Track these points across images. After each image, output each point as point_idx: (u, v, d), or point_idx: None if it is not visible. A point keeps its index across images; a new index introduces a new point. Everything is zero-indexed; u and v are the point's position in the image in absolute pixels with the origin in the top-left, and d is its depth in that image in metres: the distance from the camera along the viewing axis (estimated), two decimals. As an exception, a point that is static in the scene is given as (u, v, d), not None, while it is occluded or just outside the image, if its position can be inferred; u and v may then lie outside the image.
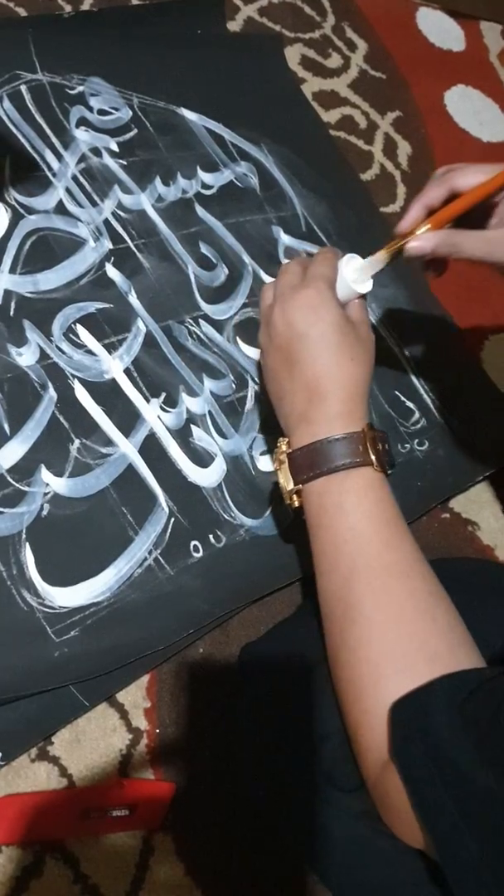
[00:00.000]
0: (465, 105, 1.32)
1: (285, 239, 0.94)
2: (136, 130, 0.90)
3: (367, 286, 0.66)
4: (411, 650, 0.52)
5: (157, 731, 0.67)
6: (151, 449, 0.72)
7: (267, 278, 0.89)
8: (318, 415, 0.61)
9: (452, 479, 0.90)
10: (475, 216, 0.65)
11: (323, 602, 0.58)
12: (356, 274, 0.66)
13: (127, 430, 0.72)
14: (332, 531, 0.58)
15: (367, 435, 0.60)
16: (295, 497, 0.62)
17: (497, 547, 0.91)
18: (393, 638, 0.53)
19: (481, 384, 1.00)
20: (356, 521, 0.58)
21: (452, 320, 1.05)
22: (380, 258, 0.65)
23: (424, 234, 0.62)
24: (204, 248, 0.87)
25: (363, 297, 0.67)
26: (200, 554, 0.71)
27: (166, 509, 0.71)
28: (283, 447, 0.63)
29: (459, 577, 0.75)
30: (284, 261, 0.92)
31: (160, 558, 0.69)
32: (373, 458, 0.59)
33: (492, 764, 0.43)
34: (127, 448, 0.71)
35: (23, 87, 0.84)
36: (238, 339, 0.83)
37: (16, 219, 0.76)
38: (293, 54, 1.17)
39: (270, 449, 0.79)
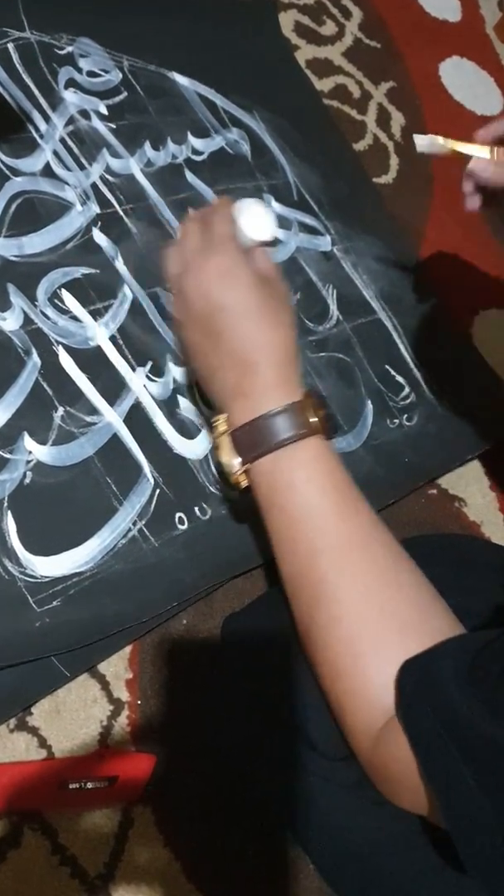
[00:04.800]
0: (459, 77, 1.31)
1: (276, 207, 0.92)
2: (125, 93, 0.88)
3: (267, 233, 0.64)
4: (383, 622, 0.52)
5: (139, 702, 0.66)
6: (137, 419, 0.71)
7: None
8: (252, 388, 0.59)
9: (441, 456, 0.89)
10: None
11: (287, 584, 0.57)
12: (257, 220, 0.64)
13: (112, 399, 0.71)
14: (286, 511, 0.57)
15: (308, 403, 0.58)
16: (242, 477, 0.60)
17: (483, 523, 0.91)
18: (363, 612, 0.52)
19: (471, 359, 0.99)
20: (309, 497, 0.56)
21: (444, 295, 1.04)
22: (443, 144, 0.66)
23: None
24: (193, 215, 0.85)
25: (266, 244, 0.65)
26: (185, 526, 0.70)
27: (151, 480, 0.70)
28: (223, 426, 0.61)
29: (445, 552, 0.75)
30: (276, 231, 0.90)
31: (145, 529, 0.68)
32: (317, 425, 0.57)
33: (500, 718, 0.43)
34: (112, 417, 0.70)
35: (10, 46, 0.82)
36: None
37: (1, 180, 0.75)
38: (287, 20, 1.15)
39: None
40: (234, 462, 0.59)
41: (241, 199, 0.64)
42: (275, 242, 0.65)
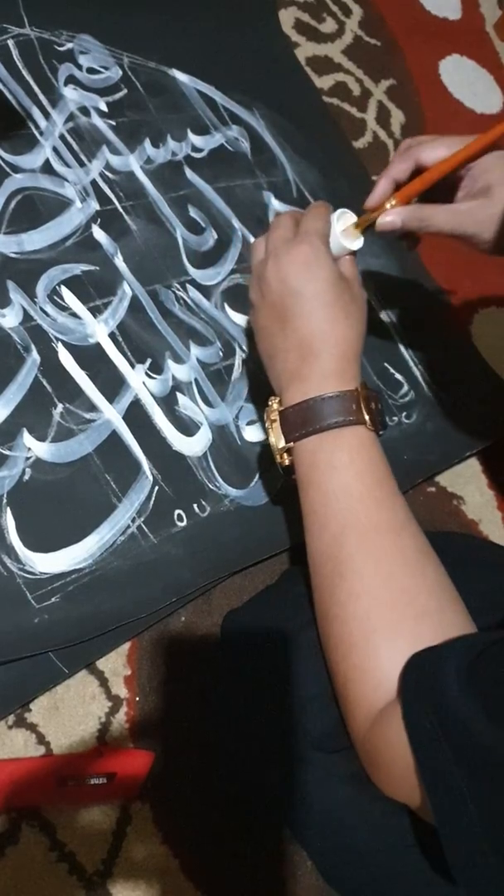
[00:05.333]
0: (459, 75, 1.30)
1: (276, 204, 0.92)
2: (125, 90, 0.88)
3: (358, 243, 0.65)
4: (401, 605, 0.52)
5: (137, 699, 0.66)
6: (136, 416, 0.71)
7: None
8: (310, 372, 0.60)
9: (440, 454, 0.89)
10: (442, 190, 0.67)
11: (312, 560, 0.58)
12: (348, 230, 0.65)
13: (111, 396, 0.71)
14: (322, 489, 0.58)
15: (361, 394, 0.59)
16: (286, 455, 0.61)
17: (482, 521, 0.91)
18: (383, 593, 0.53)
19: (471, 358, 0.99)
20: (348, 479, 0.57)
21: (443, 293, 1.04)
22: (350, 234, 0.65)
23: (394, 210, 0.64)
24: (193, 212, 0.85)
25: (353, 253, 0.66)
26: (184, 523, 0.70)
27: (150, 477, 0.70)
28: (275, 405, 0.62)
29: (443, 551, 0.75)
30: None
31: (143, 526, 0.68)
32: (366, 417, 0.58)
33: (500, 725, 0.43)
34: (111, 414, 0.70)
35: (10, 42, 0.82)
36: (226, 305, 0.82)
37: (1, 177, 0.75)
38: (287, 18, 1.15)
39: (259, 418, 0.78)
40: (279, 440, 0.60)
41: (339, 209, 0.65)
42: (356, 254, 0.65)
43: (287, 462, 0.61)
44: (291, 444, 0.60)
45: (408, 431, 0.87)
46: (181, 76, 0.94)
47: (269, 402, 0.62)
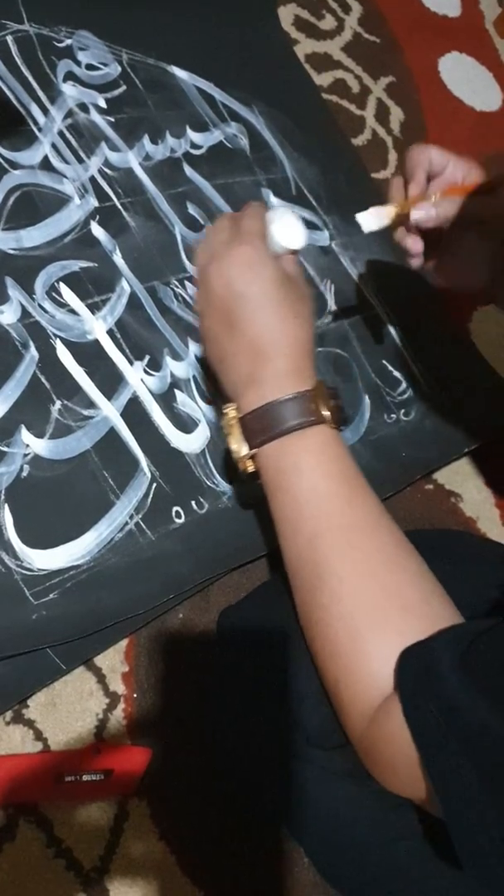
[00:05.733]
0: (458, 72, 1.30)
1: (275, 202, 0.92)
2: (124, 87, 0.88)
3: (298, 242, 0.63)
4: (384, 601, 0.52)
5: (135, 695, 0.66)
6: (134, 412, 0.71)
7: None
8: (265, 375, 0.59)
9: (438, 451, 0.89)
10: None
11: (290, 566, 0.58)
12: (289, 229, 0.63)
13: (109, 393, 0.71)
14: (291, 494, 0.57)
15: (319, 392, 0.58)
16: (249, 462, 0.60)
17: (479, 519, 0.91)
18: (364, 591, 0.52)
19: (469, 355, 0.99)
20: (315, 481, 0.57)
21: (441, 291, 1.04)
22: (387, 213, 0.67)
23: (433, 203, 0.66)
24: (191, 209, 0.85)
25: (295, 252, 0.64)
26: (182, 520, 0.70)
27: (148, 474, 0.70)
28: (232, 412, 0.60)
29: (440, 548, 0.75)
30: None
31: (141, 523, 0.68)
32: (326, 415, 0.58)
33: (499, 707, 0.43)
34: (109, 411, 0.70)
35: (9, 38, 0.82)
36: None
37: (0, 173, 0.74)
38: (286, 14, 1.15)
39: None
40: (242, 447, 0.59)
41: (275, 208, 0.64)
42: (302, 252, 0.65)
43: (251, 468, 0.60)
44: (255, 450, 0.59)
45: (406, 429, 0.87)
46: (180, 73, 0.94)
47: (225, 410, 0.61)
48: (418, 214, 0.66)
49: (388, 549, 0.55)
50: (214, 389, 0.74)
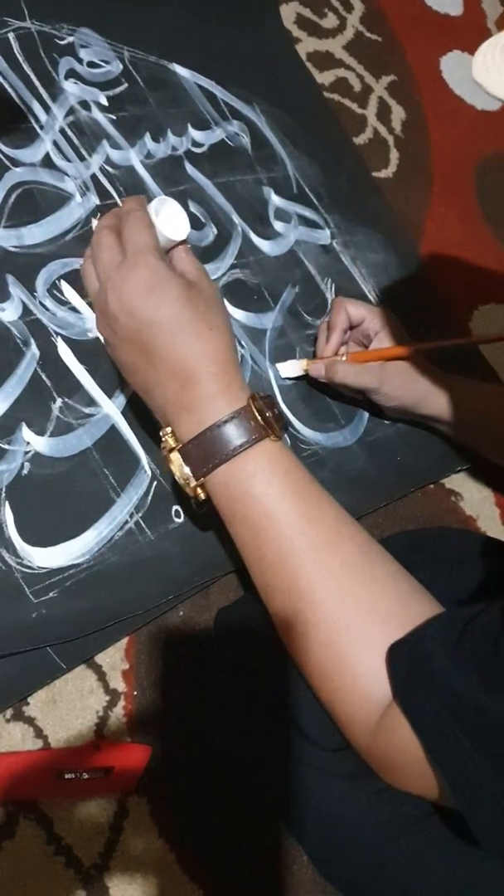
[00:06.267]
0: (460, 71, 1.30)
1: (276, 200, 0.92)
2: (126, 85, 0.88)
3: (182, 233, 0.60)
4: (361, 617, 0.51)
5: (135, 693, 0.66)
6: (135, 410, 0.71)
7: (256, 239, 0.88)
8: (196, 400, 0.56)
9: (433, 459, 0.89)
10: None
11: (260, 593, 0.56)
12: (173, 219, 0.60)
13: (110, 391, 0.71)
14: (248, 521, 0.55)
15: (255, 406, 0.56)
16: (199, 490, 0.57)
17: (479, 517, 0.91)
18: (340, 612, 0.52)
19: (469, 355, 0.99)
20: (270, 504, 0.54)
21: (442, 290, 1.04)
22: (301, 366, 0.82)
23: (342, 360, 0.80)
24: (193, 207, 0.85)
25: (183, 242, 0.61)
26: (182, 519, 0.70)
27: (149, 472, 0.70)
28: (171, 440, 0.57)
29: (441, 547, 0.75)
30: (275, 223, 0.90)
31: (141, 522, 0.68)
32: (267, 429, 0.55)
33: (499, 690, 0.43)
34: (110, 409, 0.70)
35: (10, 35, 0.82)
36: (226, 300, 0.82)
37: (1, 171, 0.74)
38: (288, 13, 1.15)
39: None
40: (189, 477, 0.57)
41: (156, 199, 0.60)
42: (187, 240, 0.62)
43: (203, 496, 0.58)
44: (202, 479, 0.57)
45: (401, 431, 0.88)
46: (182, 71, 0.94)
47: (162, 436, 0.58)
48: (313, 370, 0.81)
49: (353, 560, 0.53)
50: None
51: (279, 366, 0.82)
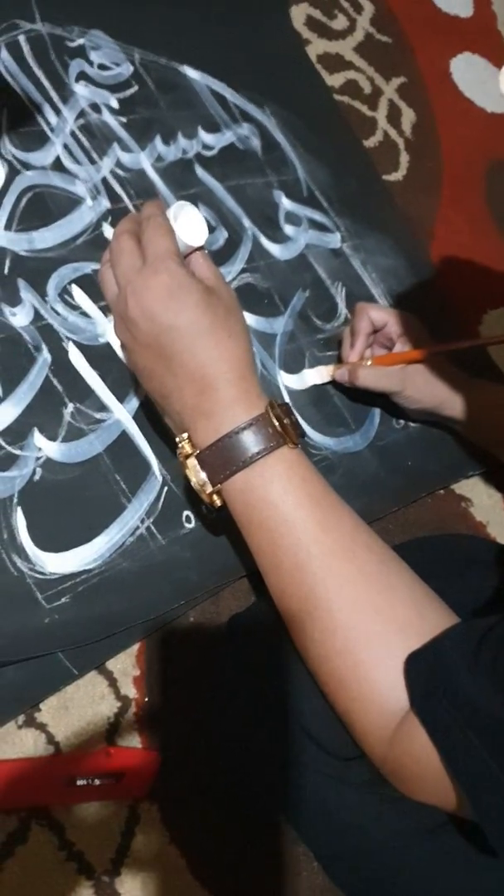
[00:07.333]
0: (470, 73, 1.30)
1: (286, 204, 0.92)
2: (136, 87, 0.88)
3: (200, 239, 0.61)
4: (379, 626, 0.51)
5: (146, 699, 0.66)
6: (146, 415, 0.71)
7: (267, 243, 0.88)
8: (214, 406, 0.56)
9: (441, 463, 0.89)
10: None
11: (275, 597, 0.56)
12: (192, 225, 0.61)
13: (122, 396, 0.71)
14: (265, 528, 0.55)
15: (273, 413, 0.56)
16: (216, 497, 0.58)
17: (489, 523, 0.91)
18: (357, 620, 0.52)
19: (479, 360, 0.99)
20: (287, 511, 0.55)
21: (451, 294, 1.04)
22: (328, 372, 0.83)
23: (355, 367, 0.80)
24: (203, 211, 0.85)
25: (202, 248, 0.62)
26: (192, 525, 0.70)
27: (160, 478, 0.70)
28: (187, 446, 0.57)
29: (451, 553, 0.75)
30: (285, 227, 0.90)
31: (152, 527, 0.68)
32: (285, 436, 0.56)
33: None
34: (121, 414, 0.70)
35: (21, 38, 0.82)
36: (236, 305, 0.82)
37: (12, 174, 0.74)
38: (298, 14, 1.14)
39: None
40: (205, 483, 0.57)
41: (174, 204, 0.61)
42: (205, 246, 0.62)
43: (219, 503, 0.58)
44: (219, 486, 0.57)
45: (412, 435, 0.88)
46: (192, 73, 0.93)
47: (178, 442, 0.58)
48: (338, 376, 0.81)
49: (371, 569, 0.53)
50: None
51: (306, 373, 0.83)
